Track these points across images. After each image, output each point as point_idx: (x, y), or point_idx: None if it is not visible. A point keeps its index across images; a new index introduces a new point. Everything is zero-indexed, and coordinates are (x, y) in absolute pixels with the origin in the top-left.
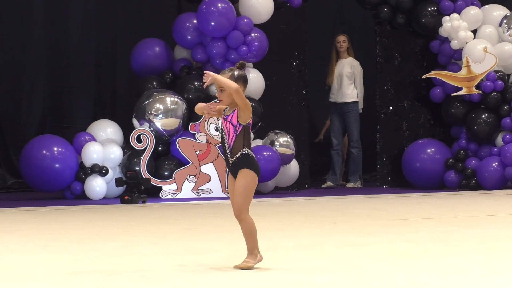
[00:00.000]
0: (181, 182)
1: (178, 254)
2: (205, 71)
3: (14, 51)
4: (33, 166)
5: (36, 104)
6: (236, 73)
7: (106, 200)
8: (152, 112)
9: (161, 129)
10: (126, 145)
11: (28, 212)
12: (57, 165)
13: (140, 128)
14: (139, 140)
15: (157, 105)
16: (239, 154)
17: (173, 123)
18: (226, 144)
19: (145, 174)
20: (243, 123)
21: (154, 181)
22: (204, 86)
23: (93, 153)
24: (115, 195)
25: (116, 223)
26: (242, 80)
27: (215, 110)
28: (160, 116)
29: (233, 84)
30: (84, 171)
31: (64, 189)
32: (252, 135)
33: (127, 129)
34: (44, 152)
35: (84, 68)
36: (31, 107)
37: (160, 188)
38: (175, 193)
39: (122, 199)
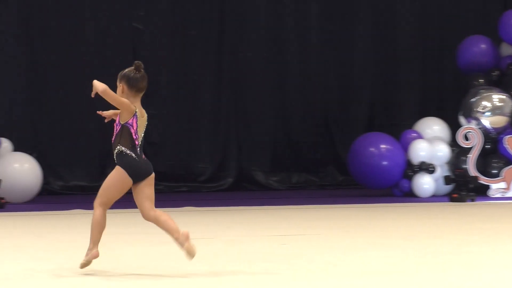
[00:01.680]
0: (510, 180)
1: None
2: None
3: (342, 51)
4: (361, 163)
5: (364, 100)
6: (124, 72)
7: (434, 198)
8: (479, 109)
9: (488, 126)
10: (453, 143)
11: (357, 209)
12: (384, 163)
13: (467, 126)
14: (466, 137)
15: (484, 103)
16: (115, 151)
17: (500, 120)
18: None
19: (473, 172)
20: (122, 122)
21: (482, 179)
22: (92, 95)
23: (420, 150)
24: (443, 193)
25: (445, 221)
26: (125, 80)
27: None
28: (487, 113)
29: (100, 86)
30: (412, 169)
31: (392, 187)
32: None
33: (454, 127)
34: (372, 149)
35: (411, 65)
36: (359, 103)
37: (488, 187)
38: (504, 192)
39: (451, 197)
